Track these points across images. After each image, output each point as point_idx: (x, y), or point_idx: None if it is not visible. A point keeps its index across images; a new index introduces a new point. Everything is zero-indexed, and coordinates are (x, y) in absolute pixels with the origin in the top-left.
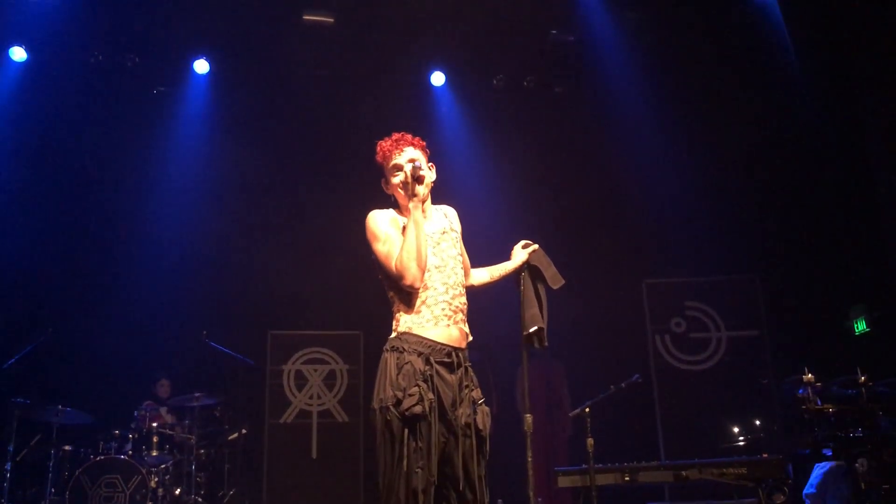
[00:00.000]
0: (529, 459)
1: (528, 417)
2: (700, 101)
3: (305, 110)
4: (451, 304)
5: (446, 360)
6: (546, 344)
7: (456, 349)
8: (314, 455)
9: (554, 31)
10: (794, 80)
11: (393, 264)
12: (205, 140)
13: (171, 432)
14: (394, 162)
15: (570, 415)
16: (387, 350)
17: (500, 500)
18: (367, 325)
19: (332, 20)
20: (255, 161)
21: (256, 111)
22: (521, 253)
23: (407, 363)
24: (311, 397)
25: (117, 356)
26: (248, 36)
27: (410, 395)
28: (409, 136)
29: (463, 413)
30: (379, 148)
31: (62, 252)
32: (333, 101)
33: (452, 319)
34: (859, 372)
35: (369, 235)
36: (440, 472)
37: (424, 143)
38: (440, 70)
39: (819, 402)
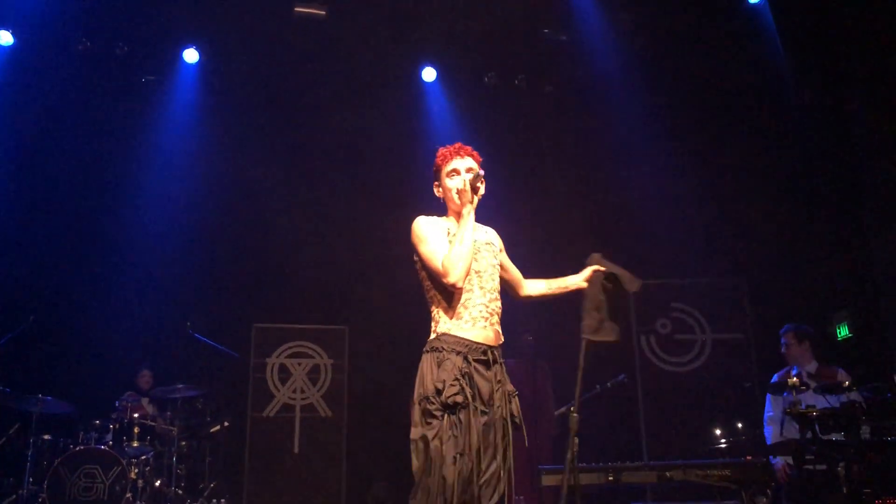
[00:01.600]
0: (571, 454)
1: (575, 416)
2: (690, 103)
3: (295, 104)
4: (487, 306)
5: (482, 357)
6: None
7: (491, 348)
8: (296, 449)
9: (546, 31)
10: (785, 84)
11: (440, 262)
12: (193, 131)
13: (152, 423)
14: (452, 166)
15: (555, 413)
16: (426, 351)
17: None
18: (353, 321)
19: (323, 13)
20: (243, 153)
21: (245, 103)
22: (587, 272)
23: (446, 360)
24: (294, 391)
25: (99, 346)
26: (239, 27)
27: (451, 386)
28: (469, 148)
29: (498, 406)
30: (440, 152)
31: (45, 240)
32: (324, 95)
33: (489, 321)
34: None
35: (415, 238)
36: (477, 467)
37: (481, 159)
38: (432, 66)
39: (802, 406)
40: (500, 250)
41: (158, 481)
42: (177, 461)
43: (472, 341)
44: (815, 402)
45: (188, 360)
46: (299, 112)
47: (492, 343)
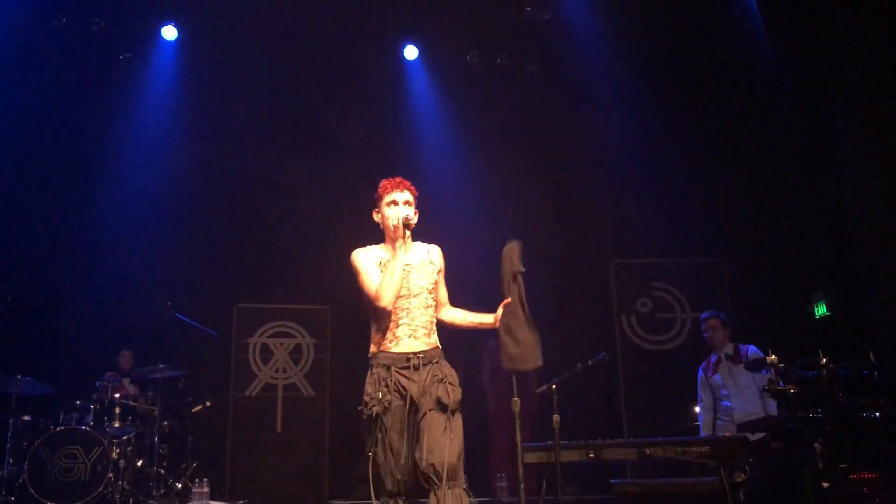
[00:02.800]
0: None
1: (517, 400)
2: (672, 83)
3: (275, 83)
4: (413, 323)
5: (405, 364)
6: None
7: (416, 354)
8: (279, 428)
9: (528, 9)
10: (767, 66)
11: (374, 290)
12: (171, 109)
13: (133, 404)
14: (392, 197)
15: (536, 392)
16: (369, 366)
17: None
18: (335, 300)
19: None
20: (223, 132)
21: (224, 81)
22: (499, 311)
23: (374, 373)
24: (276, 371)
25: (79, 326)
26: (218, 4)
27: (373, 399)
28: (407, 182)
29: (430, 396)
30: (382, 183)
31: (23, 220)
32: (305, 74)
33: (414, 335)
34: (821, 354)
35: (353, 269)
36: (418, 447)
37: (417, 193)
38: (413, 44)
39: (781, 384)
40: (439, 271)
41: (140, 461)
42: (159, 441)
43: (396, 354)
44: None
45: (170, 341)
46: (279, 91)
47: (417, 350)
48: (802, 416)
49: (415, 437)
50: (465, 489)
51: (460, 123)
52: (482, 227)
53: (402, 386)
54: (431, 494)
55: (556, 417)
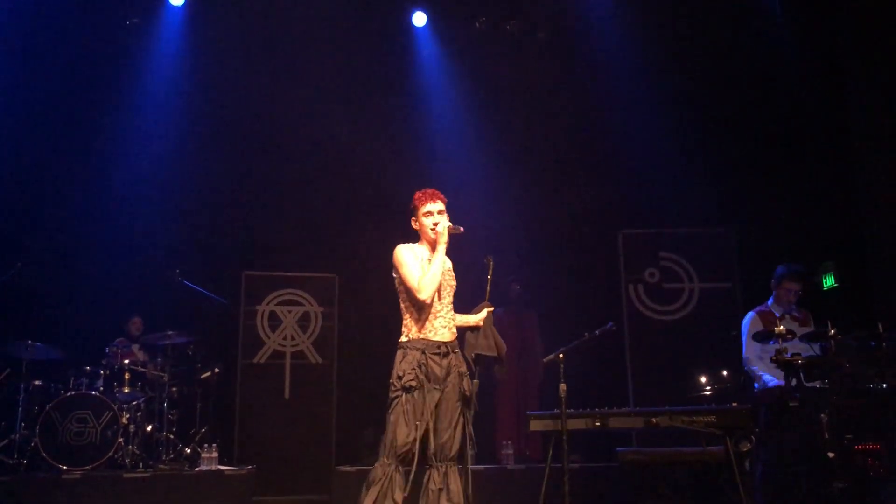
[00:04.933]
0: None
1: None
2: (683, 53)
3: (283, 49)
4: (444, 317)
5: (437, 350)
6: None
7: (446, 343)
8: (287, 395)
9: None
10: (778, 37)
11: (417, 282)
12: (179, 75)
13: (143, 370)
14: (427, 209)
15: (543, 361)
16: (399, 349)
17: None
18: (343, 269)
19: None
20: (229, 98)
21: (232, 47)
22: (482, 314)
23: (409, 354)
24: (284, 338)
25: (88, 293)
26: None
27: (409, 373)
28: (439, 193)
29: (452, 382)
30: (417, 195)
31: (31, 186)
32: (313, 40)
33: (447, 328)
34: (829, 325)
35: (396, 261)
36: (435, 428)
37: (447, 200)
38: (422, 10)
39: (788, 354)
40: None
41: (150, 426)
42: (168, 407)
43: (430, 340)
44: (798, 349)
45: (178, 308)
46: (287, 56)
47: (446, 340)
48: (809, 386)
49: (433, 416)
50: (461, 467)
51: (468, 90)
52: (489, 196)
53: (431, 369)
54: (433, 469)
55: (562, 386)
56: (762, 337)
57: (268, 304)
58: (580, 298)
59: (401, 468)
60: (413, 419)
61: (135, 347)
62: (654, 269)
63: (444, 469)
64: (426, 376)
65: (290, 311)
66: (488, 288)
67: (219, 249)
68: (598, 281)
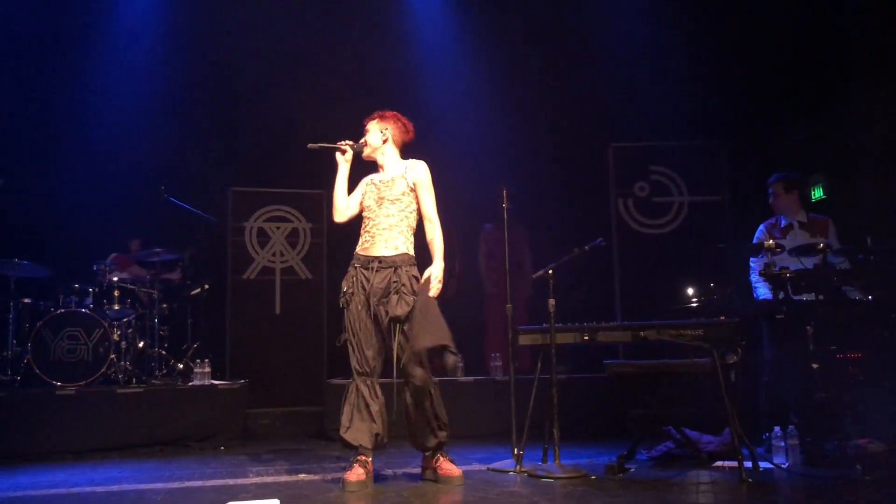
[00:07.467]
0: None
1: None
2: None
3: None
4: (370, 231)
5: (368, 265)
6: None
7: (377, 258)
8: (278, 310)
9: None
10: None
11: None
12: None
13: (131, 287)
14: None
15: (533, 276)
16: None
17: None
18: (330, 184)
19: None
20: (216, 19)
21: None
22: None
23: (349, 272)
24: (273, 255)
25: (74, 210)
26: None
27: (343, 291)
28: (374, 114)
29: (392, 299)
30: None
31: (13, 105)
32: None
33: (373, 241)
34: (817, 238)
35: None
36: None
37: (380, 115)
38: None
39: (777, 268)
40: (413, 185)
41: (142, 343)
42: (159, 323)
43: (364, 256)
44: (788, 264)
45: (166, 225)
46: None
47: (376, 254)
48: (796, 299)
49: (380, 328)
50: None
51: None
52: (479, 110)
53: (363, 284)
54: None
55: (551, 301)
56: (751, 251)
57: (256, 221)
58: (570, 213)
59: (367, 381)
60: (352, 336)
61: (135, 266)
62: (645, 183)
63: (371, 382)
64: (362, 290)
65: (278, 228)
66: (505, 216)
67: (204, 166)
68: (587, 195)
